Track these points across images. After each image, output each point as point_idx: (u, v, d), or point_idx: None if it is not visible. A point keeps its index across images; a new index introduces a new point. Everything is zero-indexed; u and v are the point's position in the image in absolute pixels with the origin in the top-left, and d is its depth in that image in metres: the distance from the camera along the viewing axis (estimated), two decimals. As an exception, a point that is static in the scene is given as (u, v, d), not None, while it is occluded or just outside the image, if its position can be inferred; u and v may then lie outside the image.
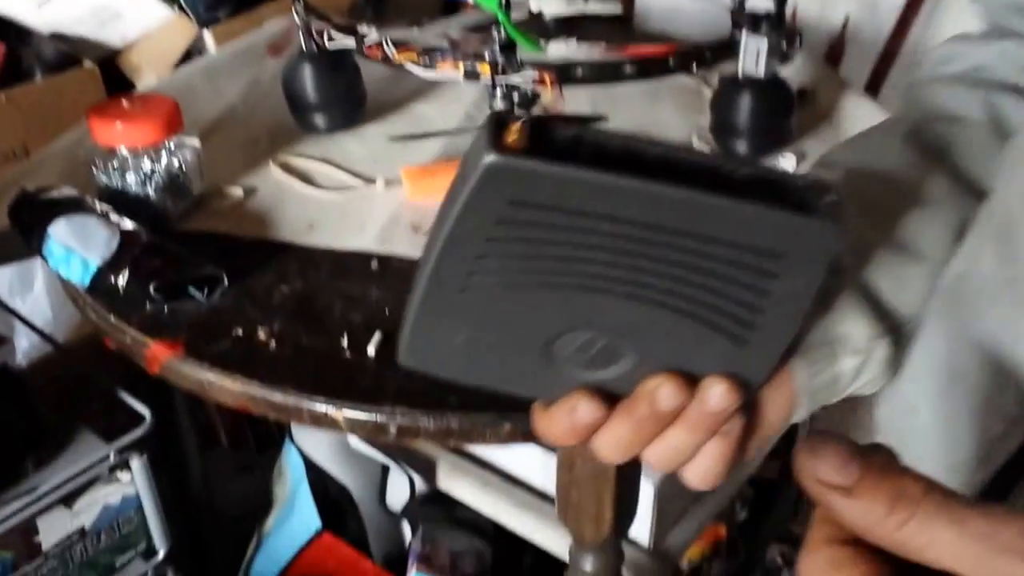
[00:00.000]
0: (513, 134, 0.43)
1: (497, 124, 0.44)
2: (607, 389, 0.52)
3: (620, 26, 1.71)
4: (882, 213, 0.70)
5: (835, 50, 1.69)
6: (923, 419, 0.72)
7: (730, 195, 0.43)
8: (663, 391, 0.50)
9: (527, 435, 0.75)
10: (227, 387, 0.80)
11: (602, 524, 0.77)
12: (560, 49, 1.28)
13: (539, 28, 1.31)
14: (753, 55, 0.97)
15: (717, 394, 0.50)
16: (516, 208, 0.44)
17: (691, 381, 0.51)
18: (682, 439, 0.52)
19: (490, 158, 0.42)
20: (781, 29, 1.00)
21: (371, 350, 0.81)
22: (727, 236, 0.44)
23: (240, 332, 0.84)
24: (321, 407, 0.78)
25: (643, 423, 0.51)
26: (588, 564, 0.86)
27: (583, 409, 0.52)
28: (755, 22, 0.99)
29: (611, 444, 0.53)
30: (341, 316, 0.86)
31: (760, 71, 0.98)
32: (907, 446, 0.74)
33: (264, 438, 1.63)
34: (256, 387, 0.79)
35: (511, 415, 0.73)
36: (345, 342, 0.83)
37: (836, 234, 0.44)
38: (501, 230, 0.45)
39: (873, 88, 1.63)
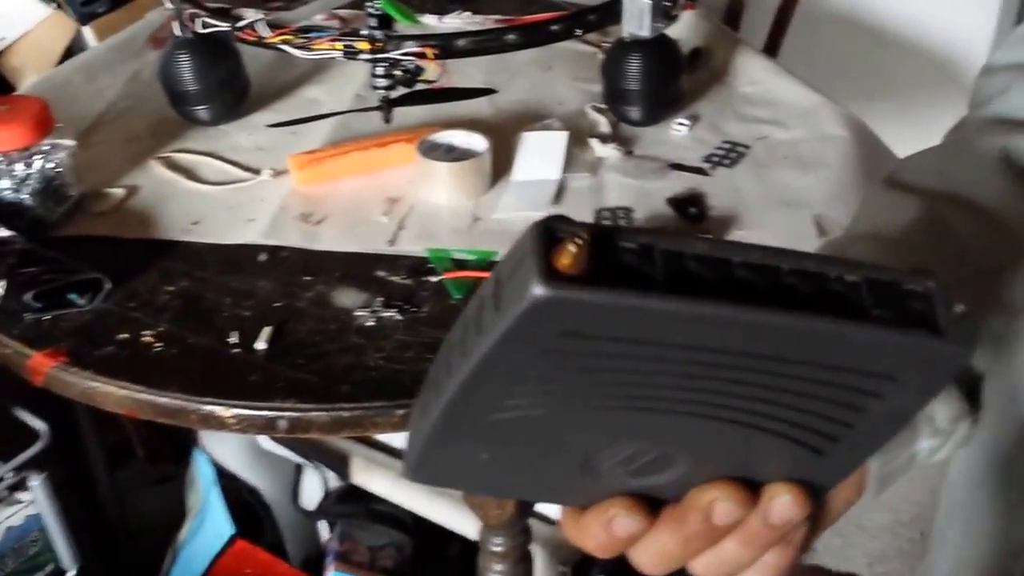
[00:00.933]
0: (567, 256, 0.33)
1: (547, 239, 0.33)
2: (651, 494, 0.44)
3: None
4: (982, 260, 0.58)
5: (734, 10, 1.69)
6: (988, 493, 0.63)
7: (841, 315, 0.35)
8: (721, 507, 0.42)
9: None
10: (112, 393, 0.77)
11: (505, 504, 0.75)
12: (455, 22, 1.25)
13: (435, 2, 1.28)
14: (636, 16, 0.95)
15: (783, 505, 0.42)
16: (569, 339, 0.35)
17: (751, 488, 0.43)
18: (737, 553, 0.44)
19: (538, 291, 0.33)
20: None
21: (261, 345, 0.78)
22: (831, 360, 0.36)
23: (125, 336, 0.81)
24: (208, 407, 0.75)
25: (693, 538, 0.44)
26: (497, 544, 0.85)
27: (622, 523, 0.44)
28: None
29: (654, 557, 0.45)
30: (229, 312, 0.83)
31: (645, 31, 0.96)
32: (969, 521, 0.66)
33: (182, 448, 1.59)
34: (141, 391, 0.76)
35: (403, 401, 0.71)
36: (234, 339, 0.80)
37: (966, 356, 0.36)
38: (547, 359, 0.36)
39: (772, 47, 1.64)
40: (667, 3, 1.00)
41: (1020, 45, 0.68)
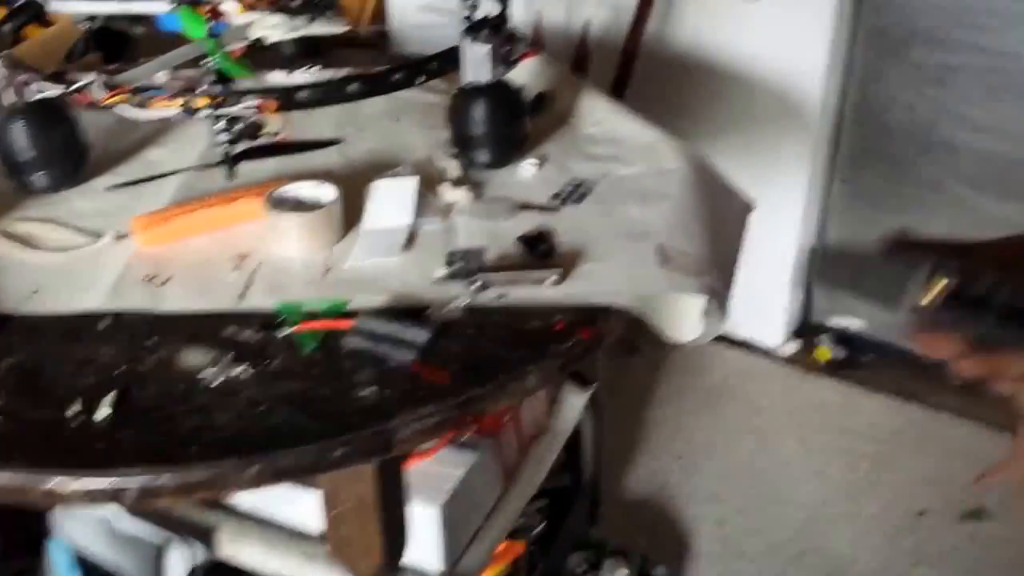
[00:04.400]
0: (931, 293, 0.49)
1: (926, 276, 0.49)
2: None
3: (376, 50, 1.70)
4: None
5: (580, 54, 1.74)
6: None
7: None
8: None
9: (278, 475, 0.72)
10: (-55, 477, 0.73)
11: (373, 554, 0.74)
12: (304, 78, 1.25)
13: (285, 59, 1.28)
14: (476, 63, 0.97)
15: None
16: None
17: None
18: None
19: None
20: (502, 34, 1.01)
21: (104, 412, 0.75)
22: None
23: (-41, 416, 0.76)
24: (52, 481, 0.71)
25: None
26: (374, 599, 0.83)
27: None
28: (477, 29, 1.00)
29: None
30: (70, 382, 0.79)
31: (486, 78, 0.98)
32: None
33: (37, 539, 1.50)
34: (-24, 472, 0.72)
35: (255, 457, 0.70)
36: (76, 408, 0.76)
37: None
38: None
39: (619, 88, 1.69)
40: (505, 50, 1.02)
41: None
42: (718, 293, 0.86)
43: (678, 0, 1.71)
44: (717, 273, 0.88)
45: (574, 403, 1.39)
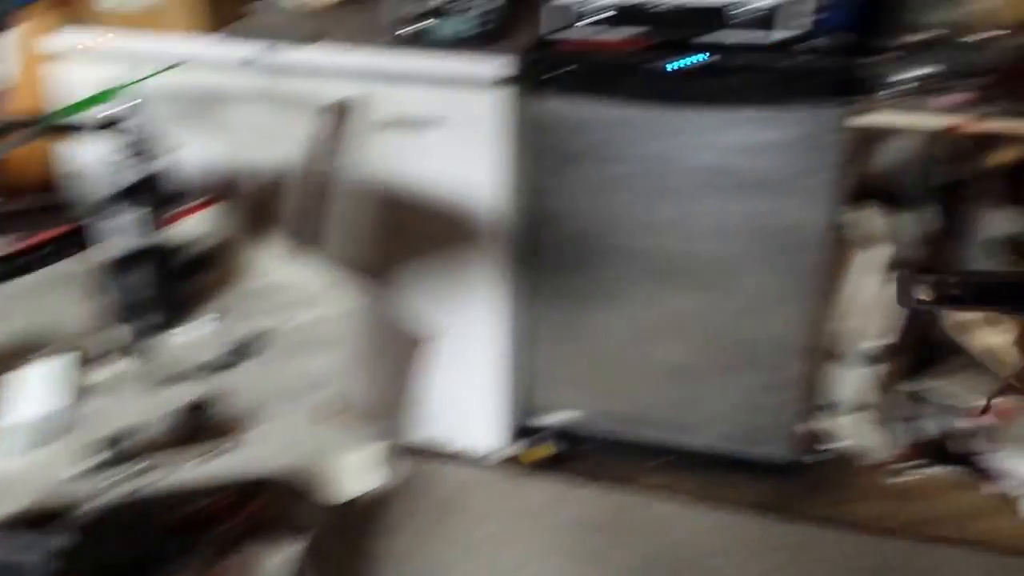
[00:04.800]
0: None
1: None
2: None
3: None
4: None
5: (268, 195, 1.73)
6: None
7: None
8: None
9: None
10: None
11: None
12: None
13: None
14: (122, 229, 0.94)
15: None
16: None
17: None
18: None
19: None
20: (158, 195, 0.99)
21: None
22: None
23: None
24: None
25: None
26: None
27: None
28: (129, 193, 0.97)
29: None
30: None
31: (137, 243, 0.95)
32: None
33: None
34: None
35: None
36: None
37: None
38: None
39: (310, 226, 1.69)
40: (162, 210, 1.00)
41: None
42: (387, 437, 0.86)
43: (364, 134, 1.76)
44: (387, 417, 0.89)
45: (280, 563, 1.34)
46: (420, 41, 1.66)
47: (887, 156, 1.83)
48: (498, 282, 1.84)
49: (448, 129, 1.68)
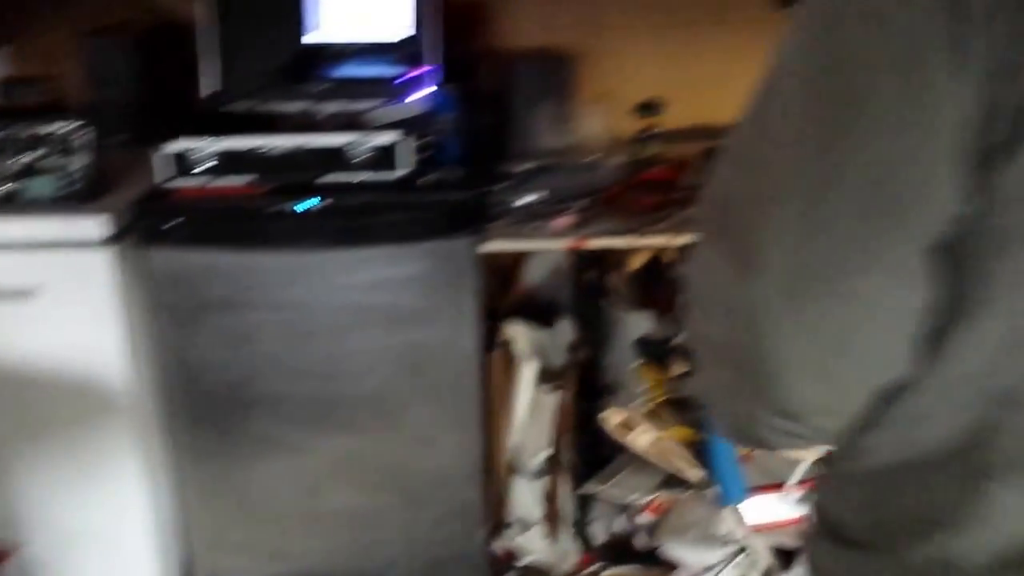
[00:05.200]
0: None
1: None
2: None
3: None
4: None
5: None
6: None
7: None
8: None
9: None
10: None
11: None
12: None
13: None
14: None
15: None
16: None
17: None
18: None
19: None
20: None
21: None
22: None
23: None
24: None
25: None
26: None
27: None
28: None
29: None
30: None
31: None
32: None
33: None
34: None
35: None
36: None
37: None
38: None
39: None
40: None
41: None
42: None
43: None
44: None
45: None
46: (12, 203, 1.50)
47: (534, 272, 1.87)
48: (142, 454, 1.66)
49: (54, 295, 1.52)
